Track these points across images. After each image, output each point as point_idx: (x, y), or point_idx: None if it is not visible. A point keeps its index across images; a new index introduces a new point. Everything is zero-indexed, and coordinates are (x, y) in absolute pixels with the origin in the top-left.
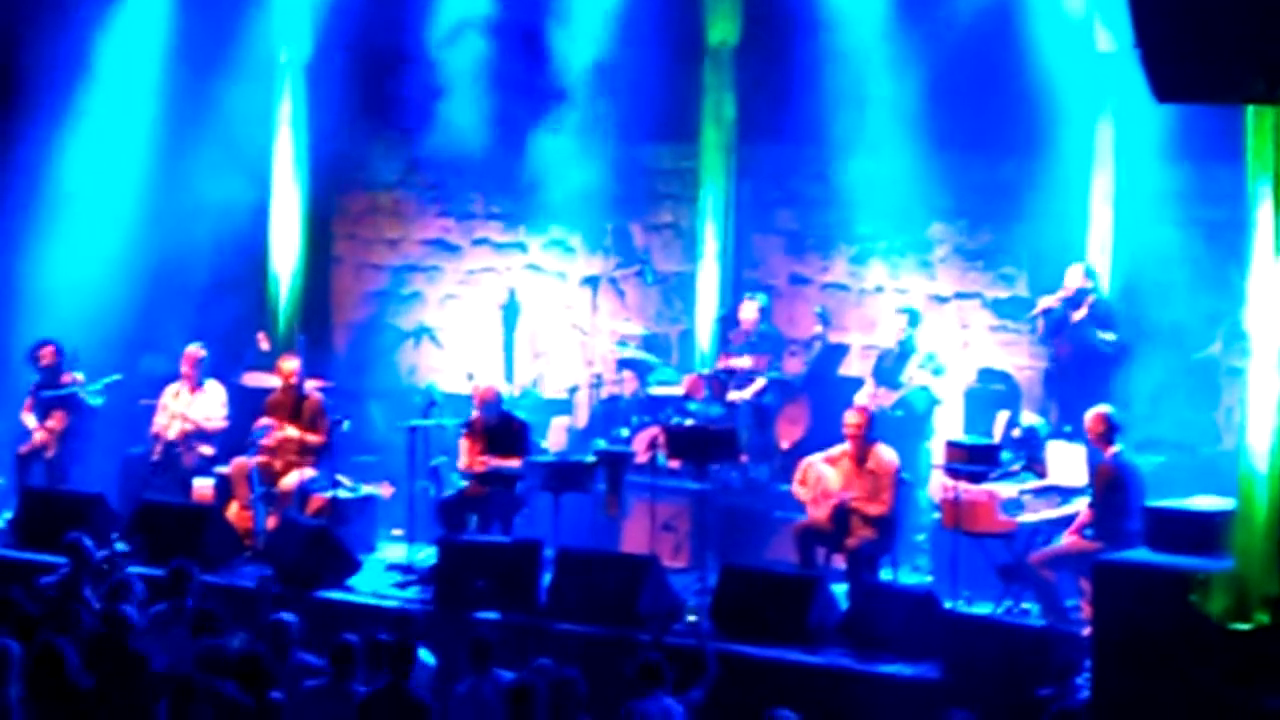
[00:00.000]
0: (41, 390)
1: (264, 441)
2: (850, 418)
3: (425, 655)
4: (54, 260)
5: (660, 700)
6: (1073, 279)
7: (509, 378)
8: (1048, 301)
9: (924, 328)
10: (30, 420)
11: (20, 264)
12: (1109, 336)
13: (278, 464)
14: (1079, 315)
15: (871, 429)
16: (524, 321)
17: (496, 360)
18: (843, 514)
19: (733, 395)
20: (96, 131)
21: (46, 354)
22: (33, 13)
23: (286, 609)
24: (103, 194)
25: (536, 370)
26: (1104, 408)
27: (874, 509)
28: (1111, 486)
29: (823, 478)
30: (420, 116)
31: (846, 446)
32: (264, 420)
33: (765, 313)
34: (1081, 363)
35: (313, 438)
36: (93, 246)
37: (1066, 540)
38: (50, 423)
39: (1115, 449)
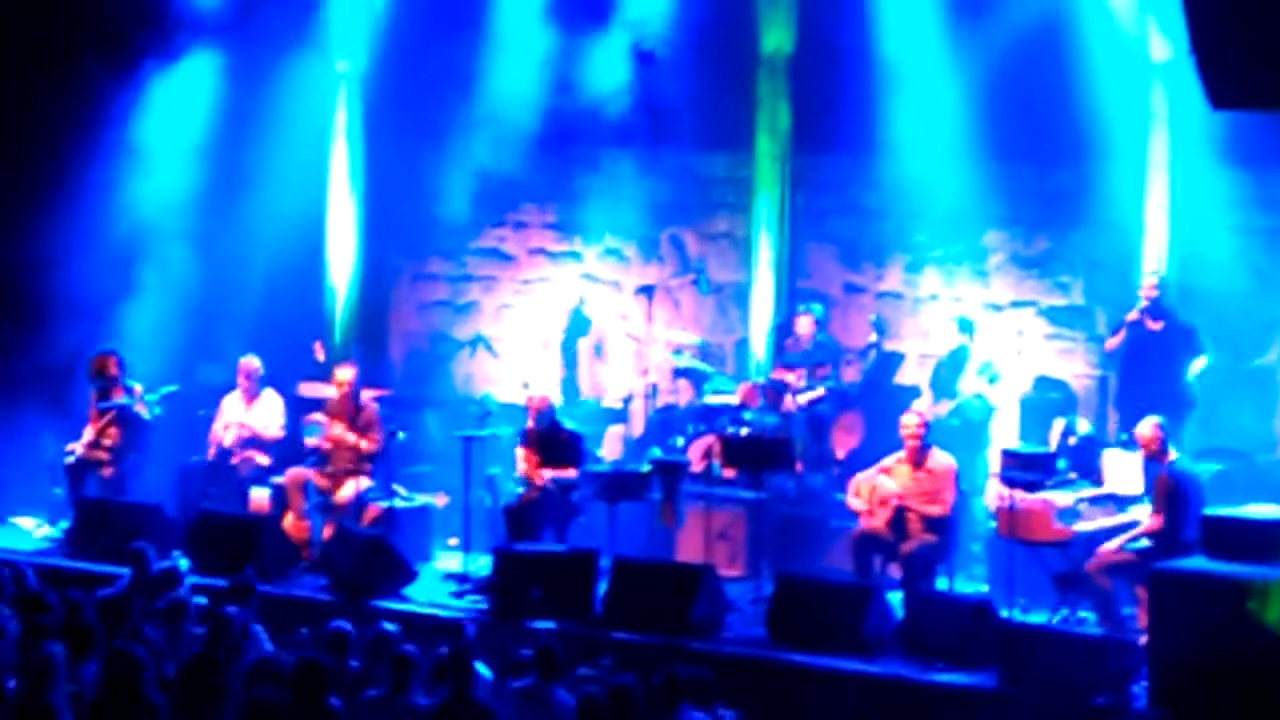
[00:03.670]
0: (99, 402)
1: (318, 441)
2: (909, 420)
3: (480, 667)
4: (111, 270)
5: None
6: (1150, 289)
7: (573, 387)
8: (1133, 316)
9: (980, 336)
10: (87, 432)
11: (78, 274)
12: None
13: (333, 475)
14: (1157, 325)
15: (928, 434)
16: (592, 331)
17: (557, 370)
18: (901, 518)
19: (789, 404)
20: (155, 141)
21: (106, 364)
22: (94, 23)
23: (343, 619)
24: (161, 204)
25: (601, 378)
26: (1156, 418)
27: (934, 509)
28: (1171, 496)
29: (878, 486)
30: (477, 125)
31: (901, 454)
32: (315, 416)
33: (821, 323)
34: (1163, 371)
35: (366, 444)
36: (151, 256)
37: (1115, 549)
38: (106, 440)
39: (1172, 458)
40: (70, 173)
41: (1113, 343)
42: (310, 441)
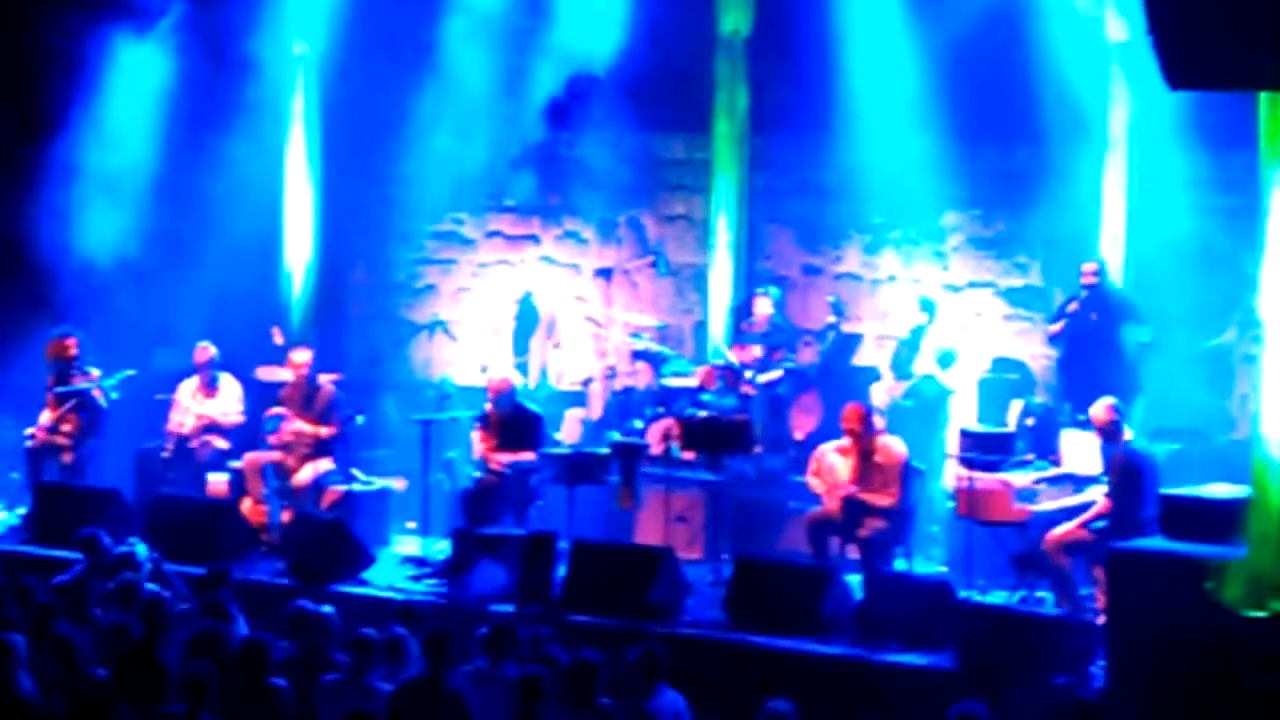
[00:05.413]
0: (57, 387)
1: (275, 437)
2: (844, 415)
3: None
4: (67, 254)
5: (666, 694)
6: (1089, 276)
7: (523, 371)
8: (1074, 307)
9: (938, 317)
10: (44, 417)
11: (33, 257)
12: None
13: (292, 459)
14: (1095, 317)
15: (868, 423)
16: (542, 318)
17: (508, 356)
18: (853, 505)
19: (747, 385)
20: (112, 125)
21: (65, 346)
22: (54, 7)
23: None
24: (117, 187)
25: (552, 362)
26: (1110, 399)
27: (882, 501)
28: (1128, 476)
29: (834, 468)
30: (434, 109)
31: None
32: (276, 410)
33: (778, 305)
34: (1106, 358)
35: (324, 430)
36: (106, 240)
37: (1074, 528)
38: (65, 426)
39: (1127, 438)
40: (23, 154)
41: (1054, 329)
42: (273, 439)
